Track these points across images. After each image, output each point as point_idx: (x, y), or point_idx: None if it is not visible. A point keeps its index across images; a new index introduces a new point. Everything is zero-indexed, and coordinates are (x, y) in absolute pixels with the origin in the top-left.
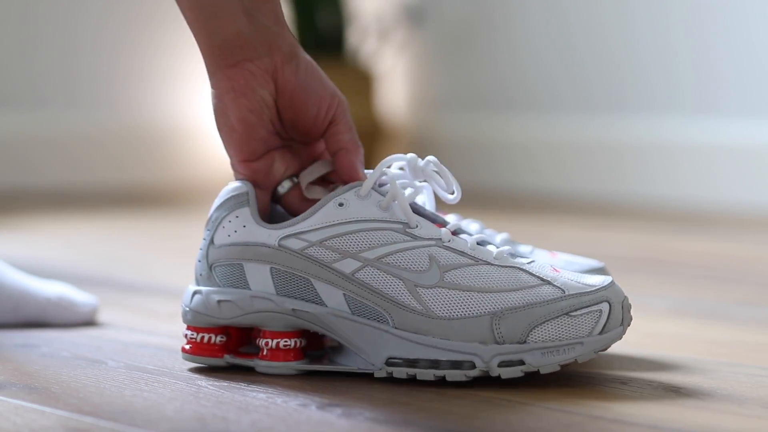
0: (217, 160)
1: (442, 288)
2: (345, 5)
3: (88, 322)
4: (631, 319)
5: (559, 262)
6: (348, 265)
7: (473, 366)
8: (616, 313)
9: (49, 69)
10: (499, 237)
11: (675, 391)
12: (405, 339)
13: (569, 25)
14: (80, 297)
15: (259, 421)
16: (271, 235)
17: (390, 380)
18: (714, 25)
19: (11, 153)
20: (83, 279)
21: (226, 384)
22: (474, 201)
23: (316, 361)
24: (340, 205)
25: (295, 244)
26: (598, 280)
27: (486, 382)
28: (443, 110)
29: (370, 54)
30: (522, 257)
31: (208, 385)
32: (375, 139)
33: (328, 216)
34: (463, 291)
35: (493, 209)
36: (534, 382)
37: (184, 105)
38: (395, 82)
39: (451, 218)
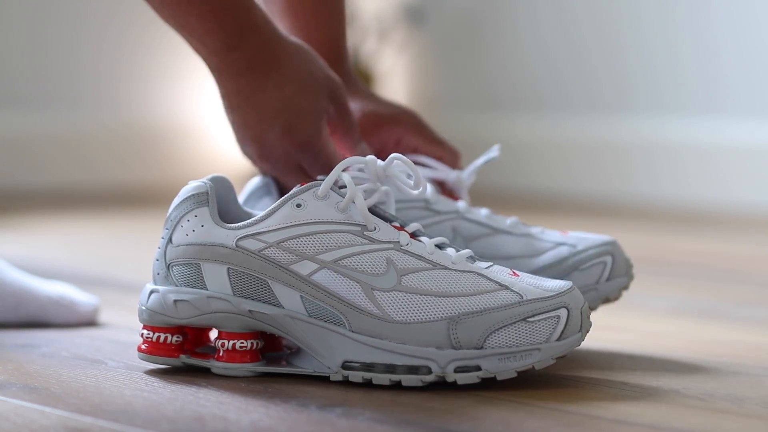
0: (219, 160)
1: (399, 292)
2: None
3: (88, 321)
4: (590, 325)
5: (571, 239)
6: (305, 267)
7: (429, 371)
8: (575, 320)
9: (54, 69)
10: (509, 221)
11: (675, 391)
12: (361, 343)
13: (573, 24)
14: (81, 297)
15: (259, 421)
16: (228, 235)
17: None
18: (722, 26)
19: (16, 152)
20: (83, 279)
21: (226, 384)
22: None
23: (273, 363)
24: (298, 206)
25: (252, 245)
26: (557, 285)
27: (486, 382)
28: (443, 110)
29: (370, 54)
30: (482, 261)
31: (208, 385)
32: None
33: (286, 217)
34: (420, 295)
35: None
36: (534, 382)
37: (188, 104)
38: (395, 82)
39: (460, 204)
